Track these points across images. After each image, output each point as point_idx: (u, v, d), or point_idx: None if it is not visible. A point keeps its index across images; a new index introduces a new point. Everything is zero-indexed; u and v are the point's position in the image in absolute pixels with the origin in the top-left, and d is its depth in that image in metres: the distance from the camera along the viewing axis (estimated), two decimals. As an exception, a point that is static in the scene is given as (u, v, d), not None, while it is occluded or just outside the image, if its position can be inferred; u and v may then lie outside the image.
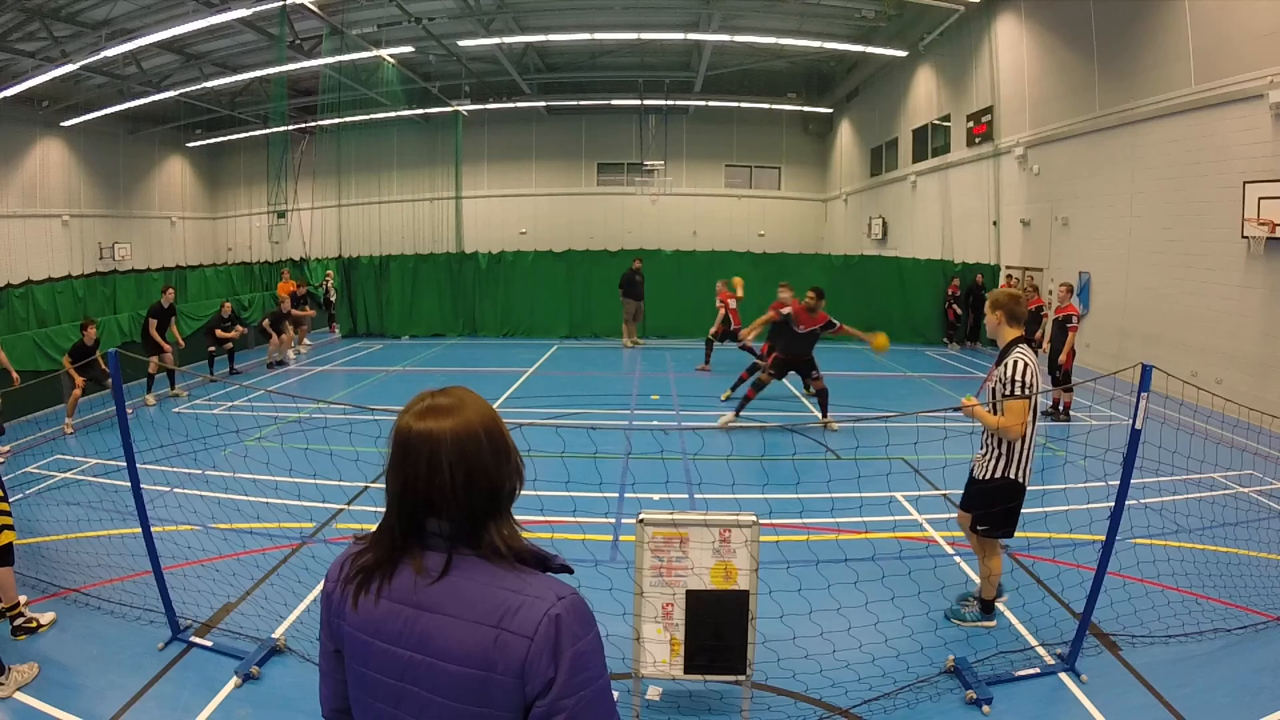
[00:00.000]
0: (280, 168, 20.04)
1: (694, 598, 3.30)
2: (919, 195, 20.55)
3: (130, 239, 26.64)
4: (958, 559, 5.22)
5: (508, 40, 19.78)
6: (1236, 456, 7.53)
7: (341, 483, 6.01)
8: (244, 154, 29.43)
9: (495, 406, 1.25)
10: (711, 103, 26.17)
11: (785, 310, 8.87)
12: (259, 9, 15.60)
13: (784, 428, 8.64)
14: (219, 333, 11.84)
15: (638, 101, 25.16)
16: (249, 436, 8.16)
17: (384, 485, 1.23)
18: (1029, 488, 4.15)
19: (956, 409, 4.18)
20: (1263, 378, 9.32)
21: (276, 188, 19.77)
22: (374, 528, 1.27)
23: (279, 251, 20.35)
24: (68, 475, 7.03)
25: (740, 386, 9.63)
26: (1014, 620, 4.39)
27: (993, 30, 16.14)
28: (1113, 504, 3.72)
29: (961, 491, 4.40)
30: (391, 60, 20.04)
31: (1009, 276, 15.53)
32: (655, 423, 9.02)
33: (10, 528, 4.19)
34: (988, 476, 4.12)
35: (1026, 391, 3.91)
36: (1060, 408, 9.55)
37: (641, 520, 3.29)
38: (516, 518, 1.25)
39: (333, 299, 18.11)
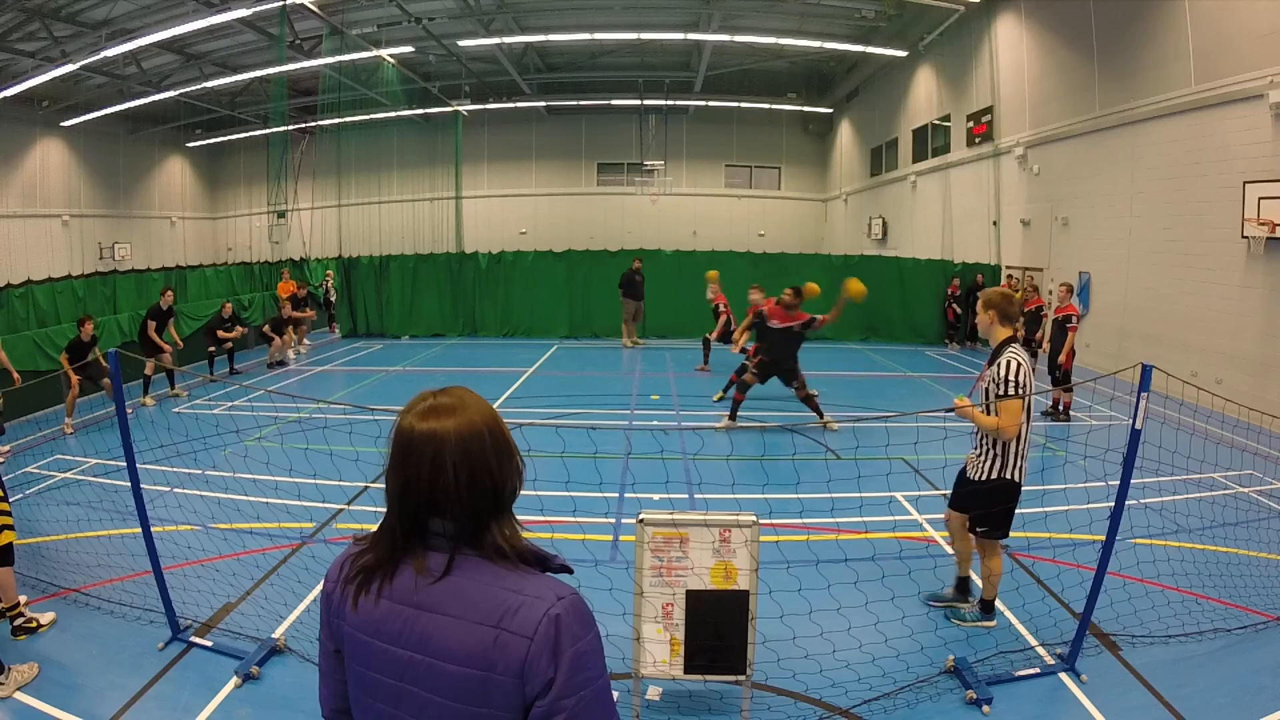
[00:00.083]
0: (280, 168, 20.04)
1: (694, 598, 3.30)
2: (919, 195, 20.55)
3: (130, 239, 26.64)
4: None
5: (508, 40, 19.78)
6: (1236, 456, 7.52)
7: (341, 483, 6.01)
8: (244, 154, 29.43)
9: (495, 406, 1.25)
10: (711, 103, 26.17)
11: (760, 309, 9.00)
12: (259, 9, 15.60)
13: (784, 428, 8.64)
14: (220, 333, 11.86)
15: (638, 101, 25.16)
16: (249, 436, 8.16)
17: (384, 485, 1.23)
18: (1028, 487, 4.15)
19: (950, 410, 4.18)
20: (1263, 378, 9.32)
21: (276, 188, 19.77)
22: (374, 528, 1.27)
23: (279, 251, 20.35)
24: (68, 475, 7.03)
25: (730, 388, 9.65)
26: (1014, 620, 4.39)
27: (993, 30, 16.14)
28: (1113, 504, 3.72)
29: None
30: (391, 60, 20.04)
31: (1009, 276, 15.53)
32: (655, 423, 9.02)
33: (10, 528, 4.19)
34: (983, 477, 4.11)
35: (1021, 391, 3.91)
36: (1060, 408, 9.55)
37: (641, 520, 3.29)
38: (517, 517, 1.25)
39: (333, 299, 18.11)
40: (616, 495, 6.26)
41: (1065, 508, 5.92)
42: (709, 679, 3.43)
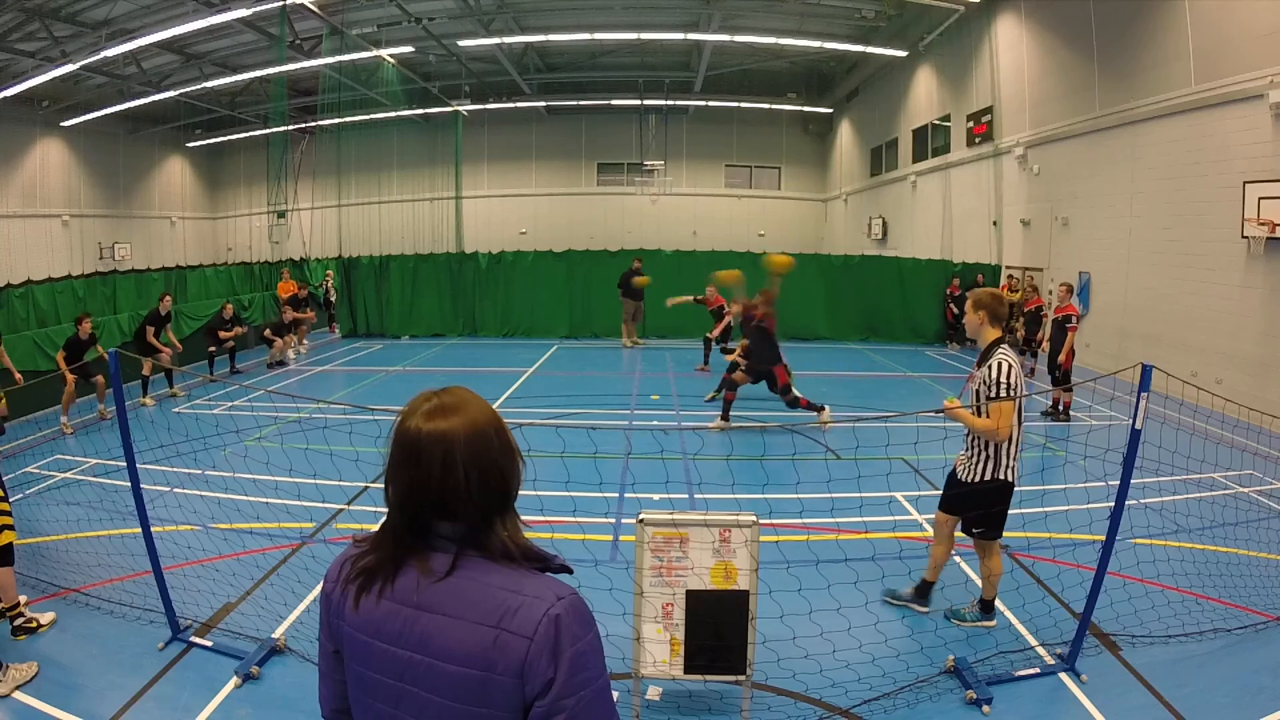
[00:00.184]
0: (280, 168, 20.04)
1: (694, 598, 3.30)
2: (919, 195, 20.55)
3: (130, 239, 26.64)
4: (958, 559, 5.21)
5: (508, 40, 19.78)
6: (1236, 456, 7.52)
7: (341, 483, 6.01)
8: (244, 154, 29.43)
9: (495, 406, 1.25)
10: (711, 103, 26.17)
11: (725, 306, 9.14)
12: (259, 9, 15.60)
13: (784, 428, 8.64)
14: (221, 334, 11.87)
15: (638, 101, 25.16)
16: (249, 436, 8.16)
17: (383, 487, 1.22)
18: (1028, 487, 4.15)
19: (939, 411, 4.17)
20: (1263, 378, 9.32)
21: (276, 188, 19.77)
22: (374, 528, 1.27)
23: (279, 251, 20.35)
24: (68, 475, 7.03)
25: (722, 389, 9.65)
26: (1014, 620, 4.39)
27: (993, 30, 16.14)
28: (1113, 504, 3.72)
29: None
30: (391, 60, 20.04)
31: (1010, 276, 15.53)
32: (655, 423, 9.02)
33: (10, 528, 4.19)
34: (976, 479, 4.09)
35: (1012, 393, 3.90)
36: (1060, 408, 9.55)
37: (641, 520, 3.29)
38: (520, 516, 1.25)
39: (333, 299, 18.11)
40: (616, 495, 6.26)
41: (1065, 508, 5.92)
42: (709, 679, 3.43)
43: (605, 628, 1.39)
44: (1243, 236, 9.46)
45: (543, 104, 26.40)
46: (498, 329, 16.94)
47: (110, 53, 16.76)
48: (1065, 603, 4.51)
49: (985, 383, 3.99)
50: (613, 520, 5.72)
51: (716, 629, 3.32)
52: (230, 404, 10.26)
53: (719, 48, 21.01)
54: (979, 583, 4.61)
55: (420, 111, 24.99)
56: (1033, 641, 4.15)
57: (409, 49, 19.65)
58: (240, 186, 30.56)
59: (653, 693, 3.66)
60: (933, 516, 4.89)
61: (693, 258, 16.99)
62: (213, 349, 11.92)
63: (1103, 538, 3.75)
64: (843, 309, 16.48)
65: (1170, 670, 3.86)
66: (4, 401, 7.60)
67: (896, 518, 5.88)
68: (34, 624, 4.19)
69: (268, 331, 13.25)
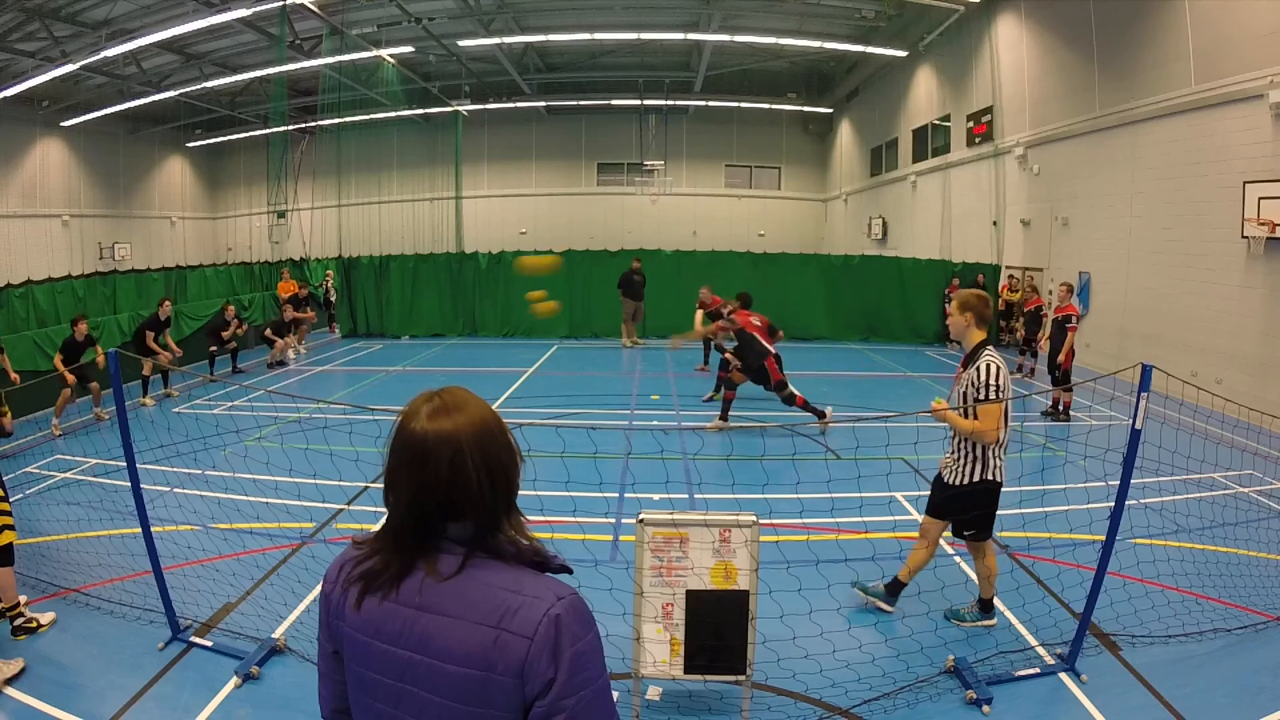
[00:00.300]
0: (280, 168, 20.05)
1: (694, 598, 3.30)
2: (919, 195, 20.55)
3: (130, 239, 26.63)
4: (957, 559, 5.22)
5: (508, 40, 19.77)
6: (1236, 456, 7.53)
7: (341, 483, 6.01)
8: (244, 154, 29.42)
9: (496, 406, 1.25)
10: (711, 103, 26.17)
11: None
12: (259, 9, 15.60)
13: (784, 428, 8.64)
14: (222, 334, 11.89)
15: (638, 101, 25.16)
16: (249, 436, 8.16)
17: (384, 491, 1.21)
18: (1026, 487, 4.15)
19: (927, 412, 4.17)
20: (1263, 378, 9.32)
21: (276, 188, 19.77)
22: (374, 528, 1.27)
23: (279, 251, 20.35)
24: (68, 475, 7.03)
25: (720, 388, 9.65)
26: (1014, 620, 4.39)
27: (993, 30, 16.14)
28: (1113, 504, 3.72)
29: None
30: (391, 60, 20.04)
31: (1010, 276, 15.54)
32: (655, 423, 9.02)
33: (11, 528, 4.19)
34: (964, 481, 4.07)
35: (1000, 395, 3.90)
36: (1060, 408, 9.55)
37: (641, 520, 3.29)
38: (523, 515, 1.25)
39: (333, 299, 18.11)
40: (616, 495, 6.27)
41: (1065, 508, 5.92)
42: (709, 679, 3.43)
43: (605, 628, 1.39)
44: (1243, 236, 9.46)
45: (543, 104, 26.40)
46: (498, 329, 16.94)
47: (110, 53, 16.76)
48: (1065, 603, 4.51)
49: (973, 384, 3.97)
50: (613, 520, 5.72)
51: (716, 629, 3.32)
52: (230, 404, 10.26)
53: (719, 48, 21.01)
54: (980, 582, 4.61)
55: (420, 111, 24.99)
56: (1033, 641, 4.15)
57: (409, 49, 19.64)
58: (240, 186, 30.55)
59: (653, 693, 3.66)
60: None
61: (693, 258, 17.00)
62: (214, 349, 11.92)
63: (1103, 538, 3.75)
64: (843, 309, 16.48)
65: (1170, 670, 3.86)
66: (9, 417, 7.63)
67: (896, 518, 5.88)
68: (34, 624, 4.19)
69: (268, 331, 13.25)
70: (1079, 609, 4.02)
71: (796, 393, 8.70)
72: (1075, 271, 13.21)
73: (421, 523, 1.18)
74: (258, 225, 26.31)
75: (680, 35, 19.68)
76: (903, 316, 16.24)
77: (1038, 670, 3.85)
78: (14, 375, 8.11)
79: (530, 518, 1.27)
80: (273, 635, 4.08)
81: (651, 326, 16.22)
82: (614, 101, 25.65)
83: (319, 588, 1.32)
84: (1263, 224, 9.06)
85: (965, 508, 4.09)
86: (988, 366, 3.95)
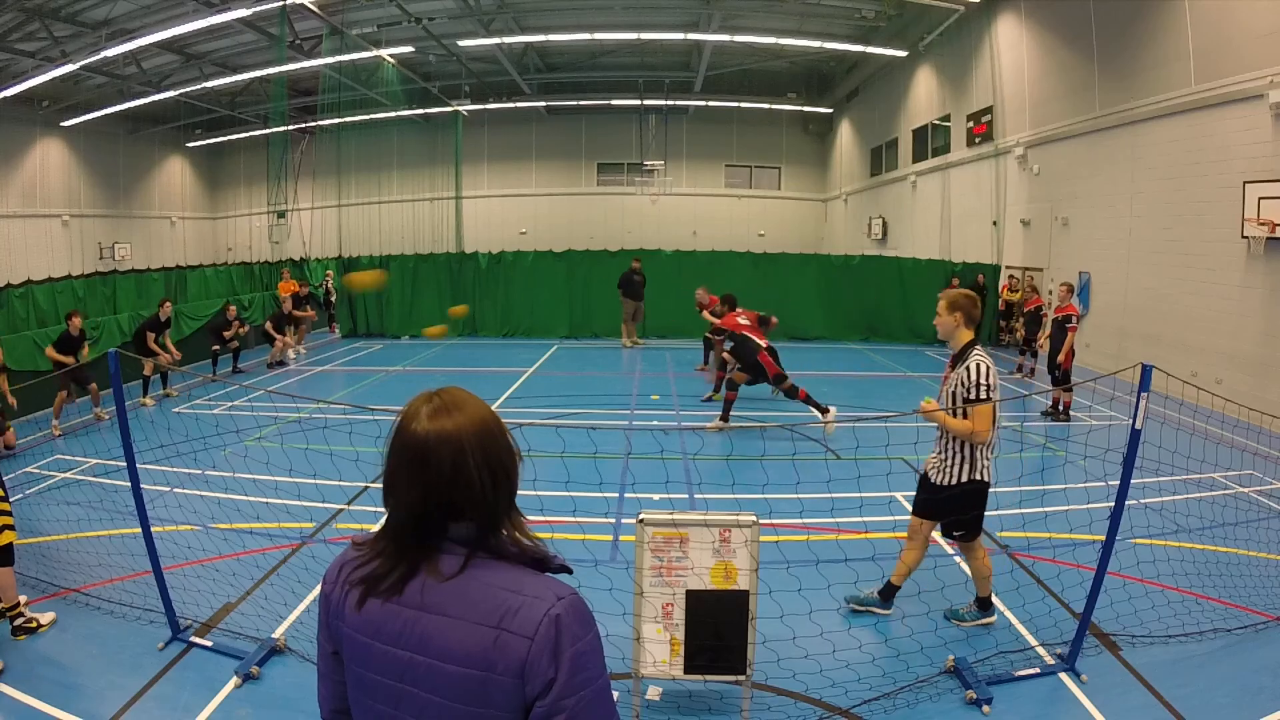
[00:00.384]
0: (280, 168, 20.05)
1: (694, 598, 3.30)
2: (919, 195, 20.55)
3: (130, 239, 26.64)
4: (957, 559, 5.21)
5: (508, 40, 19.77)
6: (1236, 456, 7.53)
7: (341, 483, 6.01)
8: (244, 154, 29.43)
9: (496, 407, 1.25)
10: (711, 103, 26.17)
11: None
12: (259, 9, 15.60)
13: (784, 428, 8.64)
14: (224, 334, 11.94)
15: (638, 101, 25.16)
16: (249, 436, 8.16)
17: (384, 493, 1.21)
18: (1026, 487, 4.14)
19: (916, 412, 4.16)
20: (1263, 378, 9.32)
21: (276, 188, 19.77)
22: (374, 528, 1.27)
23: (279, 251, 20.37)
24: (68, 475, 7.03)
25: (721, 388, 9.64)
26: (1014, 620, 4.39)
27: (993, 30, 16.14)
28: (1113, 504, 3.72)
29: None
30: (391, 60, 20.04)
31: (1010, 276, 15.54)
32: (655, 423, 9.02)
33: (11, 528, 4.19)
34: (952, 482, 4.05)
35: (992, 394, 3.89)
36: (1060, 408, 9.56)
37: (641, 520, 3.29)
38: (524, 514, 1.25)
39: (333, 299, 18.12)
40: (616, 495, 6.27)
41: (1065, 508, 5.92)
42: (709, 679, 3.43)
43: (605, 628, 1.39)
44: (1243, 236, 9.46)
45: (543, 104, 26.40)
46: (498, 329, 16.94)
47: (110, 53, 16.76)
48: (1065, 603, 4.51)
49: (963, 384, 3.94)
50: (613, 520, 5.72)
51: (716, 629, 3.32)
52: (230, 404, 10.26)
53: (719, 48, 21.01)
54: (969, 589, 4.61)
55: (420, 111, 24.99)
56: (1033, 641, 4.15)
57: (409, 49, 19.64)
58: (240, 186, 30.56)
59: (653, 693, 3.66)
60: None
61: (693, 258, 17.00)
62: (216, 347, 11.98)
63: (1103, 538, 3.75)
64: (842, 309, 16.49)
65: (1170, 670, 3.86)
66: (12, 431, 7.67)
67: (896, 518, 5.87)
68: (34, 624, 4.19)
69: (268, 324, 13.26)
70: (1079, 609, 4.02)
71: (800, 387, 8.67)
72: (1075, 271, 13.21)
73: (423, 523, 1.18)
74: (258, 225, 26.32)
75: (680, 35, 19.68)
76: (903, 316, 16.24)
77: (1038, 670, 3.85)
78: (12, 400, 8.03)
79: (530, 518, 1.27)
80: (273, 635, 4.08)
81: (651, 326, 16.22)
82: (614, 101, 25.65)
83: (319, 588, 1.32)
84: (1263, 224, 9.06)
85: (953, 508, 4.07)
86: (977, 365, 3.92)
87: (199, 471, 6.99)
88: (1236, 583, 4.70)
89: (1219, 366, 9.92)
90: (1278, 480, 7.01)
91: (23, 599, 4.28)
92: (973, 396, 3.89)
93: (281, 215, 19.94)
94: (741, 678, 3.34)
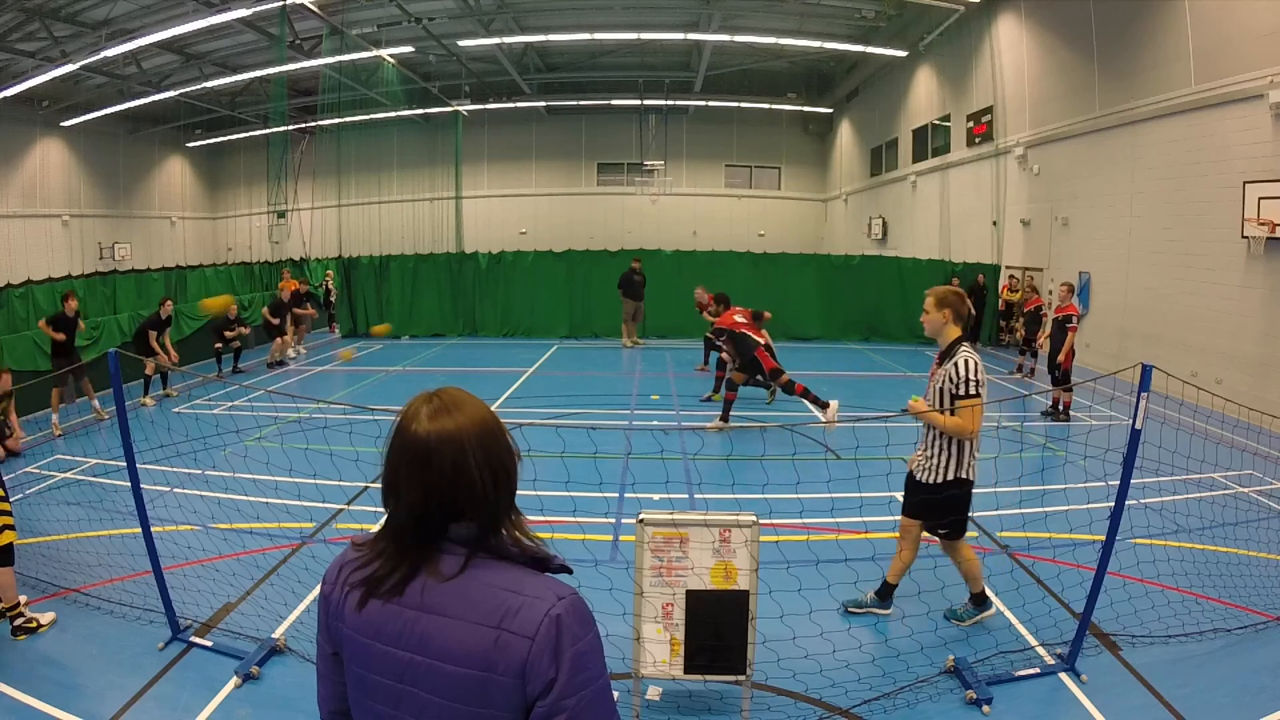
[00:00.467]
0: (280, 168, 20.04)
1: (694, 598, 3.30)
2: (919, 195, 20.55)
3: (130, 239, 26.64)
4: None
5: (508, 40, 19.78)
6: (1236, 456, 7.53)
7: (341, 483, 6.01)
8: (244, 154, 29.43)
9: (495, 407, 1.25)
10: (711, 103, 26.17)
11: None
12: (259, 9, 15.60)
13: (784, 428, 8.64)
14: (225, 333, 12.00)
15: (638, 101, 25.16)
16: (249, 436, 8.16)
17: (384, 495, 1.21)
18: (1026, 487, 4.14)
19: (904, 410, 4.15)
20: (1263, 378, 9.32)
21: (276, 188, 19.77)
22: (374, 528, 1.26)
23: (279, 251, 20.36)
24: (68, 475, 7.03)
25: (720, 388, 9.63)
26: (1014, 620, 4.39)
27: (993, 30, 16.14)
28: (1113, 504, 3.72)
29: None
30: (391, 60, 20.04)
31: (1010, 276, 15.55)
32: (655, 423, 9.02)
33: (11, 528, 4.19)
34: (938, 480, 4.03)
35: (980, 390, 3.88)
36: (1060, 408, 9.55)
37: (641, 520, 3.29)
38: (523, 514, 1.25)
39: (333, 299, 18.12)
40: (616, 495, 6.27)
41: (1065, 508, 5.92)
42: (709, 679, 3.43)
43: (605, 628, 1.39)
44: (1243, 236, 9.46)
45: (543, 104, 26.40)
46: (498, 329, 16.95)
47: (110, 53, 16.76)
48: (1065, 603, 4.51)
49: (951, 380, 3.91)
50: (613, 520, 5.72)
51: (716, 629, 3.32)
52: (230, 404, 10.26)
53: (719, 48, 21.01)
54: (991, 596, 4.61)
55: (420, 111, 24.99)
56: (1033, 641, 4.15)
57: (409, 49, 19.64)
58: (240, 186, 30.56)
59: (653, 693, 3.66)
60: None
61: (693, 258, 17.01)
62: (219, 345, 12.04)
63: (1103, 538, 3.75)
64: (843, 309, 16.49)
65: (1170, 670, 3.86)
66: (17, 435, 7.69)
67: (896, 518, 5.84)
68: (34, 624, 4.19)
69: (265, 311, 13.32)
70: (1079, 609, 4.02)
71: (797, 381, 8.67)
72: (1075, 271, 13.21)
73: (423, 524, 1.17)
74: (258, 225, 26.32)
75: (680, 35, 19.68)
76: (902, 317, 16.22)
77: (1038, 670, 3.85)
78: (21, 434, 8.00)
79: (530, 518, 1.27)
80: (273, 635, 4.08)
81: (651, 327, 16.22)
82: (614, 101, 25.65)
83: (318, 588, 1.32)
84: (1263, 224, 9.06)
85: (941, 505, 4.04)
86: (966, 361, 3.90)
87: (199, 471, 6.99)
88: (1236, 583, 4.70)
89: (1219, 366, 9.92)
90: (1278, 480, 7.01)
91: (23, 599, 4.28)
92: (961, 392, 3.87)
93: (281, 215, 19.94)
94: (741, 678, 3.34)
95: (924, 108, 20.21)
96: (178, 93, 21.96)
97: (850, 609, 4.44)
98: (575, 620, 1.14)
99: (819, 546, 4.80)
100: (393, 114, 23.43)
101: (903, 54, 19.57)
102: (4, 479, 4.37)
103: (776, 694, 3.67)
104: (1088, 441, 7.87)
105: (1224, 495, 6.53)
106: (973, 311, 13.39)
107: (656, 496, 5.92)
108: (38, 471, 7.17)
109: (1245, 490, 6.67)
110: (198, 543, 5.14)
